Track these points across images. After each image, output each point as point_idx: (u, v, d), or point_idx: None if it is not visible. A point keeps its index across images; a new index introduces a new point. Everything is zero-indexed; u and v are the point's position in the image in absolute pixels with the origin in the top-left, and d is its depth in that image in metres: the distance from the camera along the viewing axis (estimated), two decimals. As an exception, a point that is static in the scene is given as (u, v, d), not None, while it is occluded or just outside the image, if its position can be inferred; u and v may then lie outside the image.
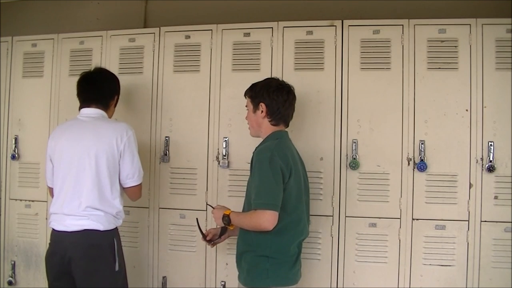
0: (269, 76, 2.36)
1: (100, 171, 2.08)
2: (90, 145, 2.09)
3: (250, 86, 2.15)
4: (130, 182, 2.17)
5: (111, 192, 2.10)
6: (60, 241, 2.08)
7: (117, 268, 2.09)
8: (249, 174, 2.07)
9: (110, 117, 2.29)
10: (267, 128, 2.09)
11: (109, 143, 2.10)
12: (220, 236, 2.19)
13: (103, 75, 2.29)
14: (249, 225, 1.96)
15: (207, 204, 2.55)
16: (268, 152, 1.94)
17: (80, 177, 2.08)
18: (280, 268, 1.97)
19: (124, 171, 2.15)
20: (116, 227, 2.16)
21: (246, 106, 2.15)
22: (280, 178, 1.91)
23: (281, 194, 1.92)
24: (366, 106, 2.45)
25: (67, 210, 2.07)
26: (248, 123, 2.16)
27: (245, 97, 2.16)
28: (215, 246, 2.34)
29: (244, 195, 2.12)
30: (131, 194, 2.23)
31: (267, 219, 1.88)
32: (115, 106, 2.33)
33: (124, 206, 2.67)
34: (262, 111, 2.07)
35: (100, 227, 2.06)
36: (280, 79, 2.20)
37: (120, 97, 2.72)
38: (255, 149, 2.06)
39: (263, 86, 2.10)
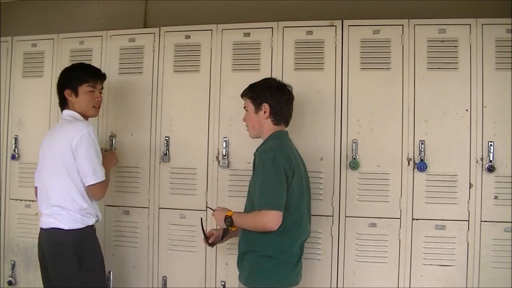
0: (269, 76, 2.37)
1: (61, 171, 2.17)
2: (55, 146, 2.21)
3: (249, 87, 2.13)
4: (87, 181, 2.19)
5: (71, 190, 2.17)
6: (39, 237, 2.25)
7: (82, 267, 2.14)
8: (249, 174, 2.07)
9: (90, 107, 2.29)
10: (269, 128, 2.09)
11: (65, 142, 2.17)
12: (221, 238, 2.18)
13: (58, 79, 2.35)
14: (253, 226, 1.95)
15: (207, 206, 2.55)
16: (271, 152, 1.94)
17: (47, 177, 2.21)
18: (282, 268, 1.96)
19: (80, 170, 2.18)
20: (87, 226, 2.20)
21: (245, 107, 2.14)
22: (283, 178, 1.91)
23: (285, 194, 1.92)
24: (366, 106, 2.45)
25: (42, 209, 2.23)
26: (247, 125, 2.15)
27: (243, 98, 2.14)
28: (214, 246, 2.34)
29: (245, 195, 2.12)
30: (90, 193, 2.23)
31: (271, 219, 1.88)
32: (76, 95, 2.26)
33: (124, 206, 2.69)
34: (265, 112, 2.07)
35: (64, 226, 2.14)
36: (277, 79, 2.20)
37: (120, 97, 2.73)
38: (257, 150, 2.06)
39: (264, 86, 2.09)
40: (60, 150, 2.17)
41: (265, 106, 2.06)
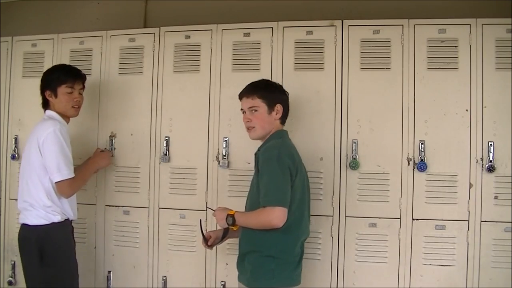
0: (269, 77, 2.38)
1: (29, 168, 2.27)
2: (29, 144, 2.30)
3: (260, 86, 2.09)
4: (53, 178, 2.23)
5: (37, 187, 2.23)
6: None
7: (44, 263, 2.17)
8: (249, 174, 2.06)
9: (69, 107, 2.35)
10: (276, 128, 2.10)
11: (34, 141, 2.25)
12: (221, 238, 2.17)
13: None
14: (258, 223, 1.94)
15: (207, 206, 2.55)
16: (275, 150, 1.94)
17: (21, 174, 2.34)
18: (285, 268, 1.96)
19: (46, 167, 2.23)
20: (52, 223, 2.22)
21: (252, 107, 2.07)
22: (288, 175, 1.92)
23: (290, 191, 1.92)
24: (366, 106, 2.45)
25: (17, 204, 2.33)
26: (251, 125, 2.09)
27: (249, 98, 2.08)
28: (214, 247, 2.34)
29: (245, 195, 2.12)
30: (58, 190, 2.25)
31: (277, 216, 1.87)
32: (56, 96, 2.34)
33: (124, 206, 2.69)
34: (277, 113, 2.07)
35: (29, 222, 2.23)
36: (275, 80, 2.21)
37: (120, 97, 2.73)
38: (259, 149, 2.06)
39: (277, 87, 2.12)
40: (30, 148, 2.27)
41: (278, 107, 2.07)
